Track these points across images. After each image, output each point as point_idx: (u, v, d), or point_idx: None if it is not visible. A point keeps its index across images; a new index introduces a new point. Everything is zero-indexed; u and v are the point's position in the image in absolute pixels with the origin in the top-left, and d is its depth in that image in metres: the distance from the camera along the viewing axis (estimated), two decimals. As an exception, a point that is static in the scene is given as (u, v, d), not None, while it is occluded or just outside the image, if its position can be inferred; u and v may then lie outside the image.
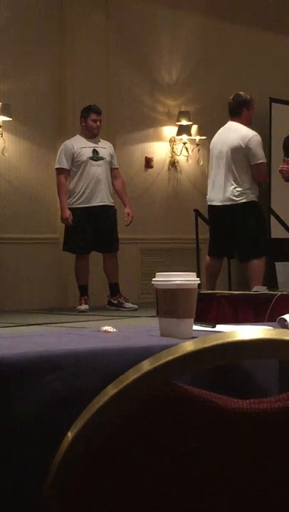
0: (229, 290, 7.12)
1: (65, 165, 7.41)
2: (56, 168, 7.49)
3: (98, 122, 7.51)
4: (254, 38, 9.81)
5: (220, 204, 6.61)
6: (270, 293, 4.77)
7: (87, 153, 7.43)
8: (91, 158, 7.43)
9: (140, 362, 0.86)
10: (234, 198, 6.54)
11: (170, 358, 0.84)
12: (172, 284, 1.95)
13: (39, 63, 8.35)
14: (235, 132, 6.60)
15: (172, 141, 9.25)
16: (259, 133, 8.17)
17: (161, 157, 9.20)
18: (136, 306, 7.36)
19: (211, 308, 4.85)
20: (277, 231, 9.00)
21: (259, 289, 5.24)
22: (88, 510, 0.89)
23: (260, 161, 6.56)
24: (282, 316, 2.29)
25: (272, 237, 9.25)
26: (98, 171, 7.44)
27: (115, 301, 7.50)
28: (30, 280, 8.14)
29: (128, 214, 7.51)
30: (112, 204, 7.52)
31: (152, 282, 2.01)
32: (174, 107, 9.25)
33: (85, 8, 8.54)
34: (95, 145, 7.50)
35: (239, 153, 6.54)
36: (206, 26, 9.49)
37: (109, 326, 2.09)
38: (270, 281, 6.66)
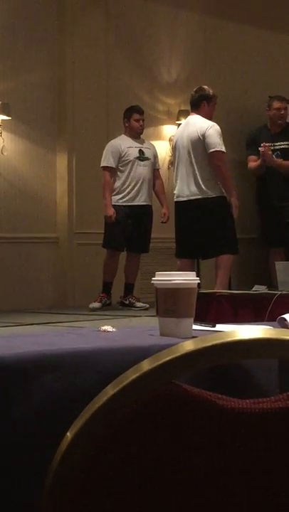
0: (229, 290, 7.12)
1: (112, 163, 7.49)
2: (102, 167, 7.52)
3: (141, 122, 7.64)
4: (254, 36, 9.81)
5: (186, 199, 6.53)
6: (270, 292, 4.78)
7: (134, 153, 7.54)
8: (138, 158, 7.54)
9: (140, 361, 0.86)
10: (199, 192, 6.46)
11: (170, 357, 0.84)
12: (172, 284, 1.95)
13: (38, 62, 8.35)
14: (194, 125, 6.55)
15: (172, 140, 9.25)
16: (258, 132, 8.15)
17: (161, 156, 9.19)
18: (147, 305, 7.39)
19: (211, 308, 4.86)
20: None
21: (259, 288, 5.24)
22: (88, 511, 0.89)
23: (214, 149, 6.43)
24: (282, 316, 2.29)
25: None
26: (144, 171, 7.57)
27: (127, 302, 7.57)
28: (29, 279, 8.14)
29: (164, 214, 7.63)
30: (151, 204, 7.64)
31: (152, 282, 2.00)
32: (173, 105, 9.25)
33: (84, 7, 8.54)
34: (141, 145, 7.63)
35: (199, 146, 6.45)
36: (205, 25, 9.48)
37: (108, 325, 2.09)
38: (270, 280, 6.65)
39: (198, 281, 2.01)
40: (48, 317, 6.62)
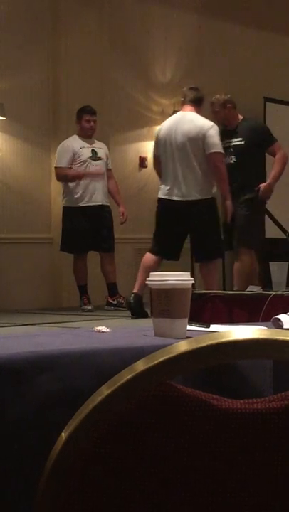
0: (223, 290, 7.11)
1: (63, 164, 7.47)
2: (55, 167, 7.55)
3: (92, 123, 7.57)
4: (248, 37, 9.82)
5: (178, 199, 6.27)
6: (264, 293, 4.78)
7: (87, 153, 7.52)
8: (90, 158, 7.51)
9: (134, 362, 0.86)
10: (195, 193, 6.24)
11: (164, 358, 0.84)
12: (166, 284, 1.95)
13: (33, 62, 8.35)
14: (192, 122, 6.31)
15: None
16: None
17: (154, 157, 9.20)
18: None
19: (205, 308, 4.85)
20: (271, 231, 9.00)
21: (253, 288, 5.25)
22: (83, 511, 0.88)
23: (215, 150, 6.25)
24: (277, 316, 2.29)
25: (266, 237, 9.25)
26: (97, 170, 7.51)
27: (114, 302, 7.51)
28: (23, 280, 8.13)
29: (122, 213, 7.57)
30: (108, 204, 7.58)
31: (146, 282, 2.00)
32: (168, 106, 9.25)
33: (78, 7, 8.54)
34: (93, 145, 7.58)
35: (200, 145, 6.24)
36: (200, 25, 9.49)
37: (103, 326, 2.09)
38: (265, 281, 6.63)
39: (193, 282, 2.01)
40: (43, 317, 6.62)
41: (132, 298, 6.25)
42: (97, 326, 2.09)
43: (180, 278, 1.98)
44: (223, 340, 0.83)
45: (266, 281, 5.95)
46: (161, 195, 6.42)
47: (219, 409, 0.86)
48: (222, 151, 6.35)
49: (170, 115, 9.11)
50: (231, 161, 6.77)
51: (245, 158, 6.69)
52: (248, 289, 5.35)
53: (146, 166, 9.10)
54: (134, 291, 6.29)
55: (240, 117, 6.91)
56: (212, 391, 0.89)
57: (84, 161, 7.49)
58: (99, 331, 2.05)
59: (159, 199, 6.46)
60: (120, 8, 8.91)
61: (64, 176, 7.52)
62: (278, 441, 0.87)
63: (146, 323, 2.18)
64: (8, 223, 8.12)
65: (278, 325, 2.26)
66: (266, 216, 9.13)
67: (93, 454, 0.87)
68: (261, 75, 9.79)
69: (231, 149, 6.77)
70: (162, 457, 0.87)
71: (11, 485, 1.51)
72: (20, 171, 8.29)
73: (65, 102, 8.41)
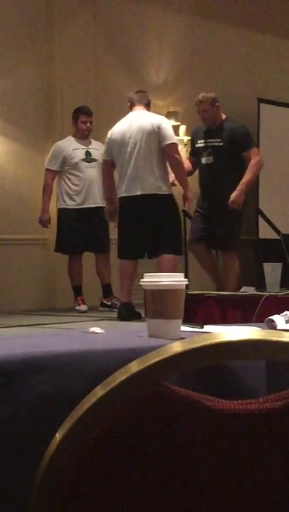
0: (217, 291, 7.11)
1: (54, 166, 7.46)
2: (46, 168, 7.53)
3: (88, 124, 7.54)
4: (242, 38, 9.83)
5: (138, 194, 6.19)
6: (258, 294, 4.79)
7: (80, 154, 7.47)
8: (84, 159, 7.48)
9: (128, 363, 0.86)
10: (154, 187, 6.17)
11: (158, 358, 0.84)
12: (160, 285, 1.95)
13: (27, 63, 8.33)
14: (145, 117, 6.31)
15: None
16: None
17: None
18: None
19: (199, 309, 4.86)
20: (265, 232, 9.01)
21: (247, 289, 5.26)
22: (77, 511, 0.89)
23: (171, 141, 6.18)
24: (270, 317, 2.30)
25: (260, 237, 9.27)
26: (91, 172, 7.48)
27: (109, 303, 7.50)
28: (18, 281, 8.12)
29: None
30: (104, 205, 7.55)
31: (140, 283, 2.01)
32: (162, 107, 9.25)
33: (72, 8, 8.54)
34: (87, 146, 7.54)
35: (155, 138, 6.19)
36: (194, 26, 9.49)
37: (97, 327, 2.09)
38: (258, 281, 6.64)
39: (187, 283, 2.01)
40: (37, 318, 6.61)
41: (122, 309, 6.21)
42: (92, 327, 2.10)
43: (174, 279, 1.99)
44: (217, 341, 0.83)
45: (260, 282, 5.96)
46: (119, 193, 6.36)
47: (213, 410, 0.87)
48: (176, 141, 6.30)
49: (164, 116, 9.17)
50: (209, 162, 6.75)
51: (223, 160, 6.66)
52: (241, 290, 5.36)
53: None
54: (124, 300, 6.25)
55: (224, 116, 6.88)
56: (206, 392, 0.90)
57: (77, 163, 7.46)
58: (93, 332, 2.05)
59: (118, 199, 6.41)
60: (114, 9, 8.91)
61: (44, 187, 7.49)
62: (273, 441, 0.87)
63: (140, 325, 2.18)
64: (2, 224, 8.11)
65: (272, 326, 2.26)
66: (259, 216, 9.16)
67: (87, 455, 0.87)
68: (255, 76, 9.80)
69: (210, 149, 6.74)
70: (156, 458, 0.87)
71: (6, 485, 1.51)
72: (14, 171, 8.28)
73: (59, 103, 8.41)
